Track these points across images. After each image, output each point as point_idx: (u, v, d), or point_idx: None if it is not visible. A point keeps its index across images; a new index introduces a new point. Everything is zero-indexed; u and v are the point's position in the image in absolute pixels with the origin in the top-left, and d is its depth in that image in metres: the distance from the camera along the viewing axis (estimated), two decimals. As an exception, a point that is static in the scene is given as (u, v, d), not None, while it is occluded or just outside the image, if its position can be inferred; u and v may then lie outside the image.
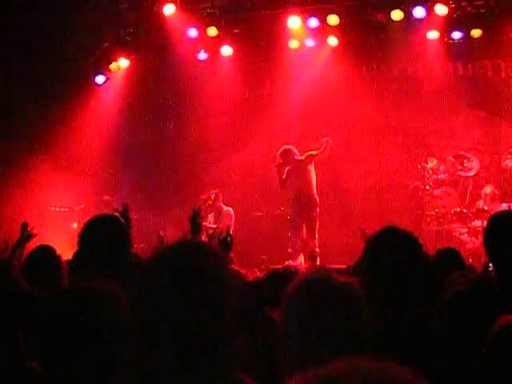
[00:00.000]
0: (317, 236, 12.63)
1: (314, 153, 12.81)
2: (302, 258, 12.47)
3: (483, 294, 3.84)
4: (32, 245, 6.61)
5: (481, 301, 3.75)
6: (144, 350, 2.03)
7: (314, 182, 12.83)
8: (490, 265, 4.34)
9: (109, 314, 2.40)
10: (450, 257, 5.82)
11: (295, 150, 12.96)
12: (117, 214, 5.23)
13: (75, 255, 4.38)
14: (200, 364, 1.99)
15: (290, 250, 12.79)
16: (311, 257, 12.15)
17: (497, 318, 2.64)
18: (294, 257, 12.52)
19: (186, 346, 1.97)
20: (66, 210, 14.29)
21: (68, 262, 5.14)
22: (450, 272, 4.89)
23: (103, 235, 4.04)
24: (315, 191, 12.82)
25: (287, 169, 12.84)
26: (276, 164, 12.82)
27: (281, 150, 12.88)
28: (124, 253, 4.08)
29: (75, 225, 13.91)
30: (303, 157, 12.82)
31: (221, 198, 13.52)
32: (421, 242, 5.17)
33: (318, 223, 12.77)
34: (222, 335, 2.02)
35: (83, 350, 2.34)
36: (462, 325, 3.69)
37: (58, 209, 14.40)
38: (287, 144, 13.19)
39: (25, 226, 7.12)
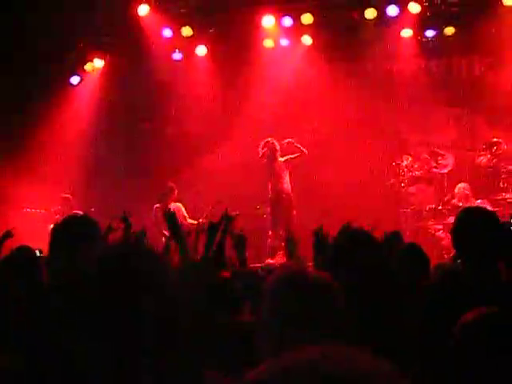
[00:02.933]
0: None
1: (292, 156, 13.06)
2: (282, 255, 12.50)
3: (450, 286, 3.89)
4: (9, 246, 6.64)
5: (448, 293, 3.81)
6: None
7: (288, 181, 13.10)
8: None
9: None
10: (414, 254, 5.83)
11: (278, 147, 13.17)
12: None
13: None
14: (161, 360, 2.01)
15: (268, 250, 12.86)
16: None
17: (464, 310, 2.68)
18: (274, 255, 12.58)
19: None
20: (43, 211, 14.20)
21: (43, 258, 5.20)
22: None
23: (73, 233, 4.05)
24: (290, 191, 13.08)
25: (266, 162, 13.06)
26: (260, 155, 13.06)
27: (266, 142, 13.11)
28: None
29: (51, 226, 13.83)
30: (283, 159, 13.05)
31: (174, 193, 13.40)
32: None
33: (294, 224, 12.87)
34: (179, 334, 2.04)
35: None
36: (431, 319, 3.74)
37: (34, 210, 14.31)
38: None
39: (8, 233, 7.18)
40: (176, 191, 13.27)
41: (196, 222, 12.44)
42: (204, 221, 12.12)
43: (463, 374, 2.46)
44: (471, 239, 3.99)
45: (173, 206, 12.87)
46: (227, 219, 6.30)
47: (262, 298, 2.49)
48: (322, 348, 1.24)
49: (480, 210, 4.53)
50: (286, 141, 13.25)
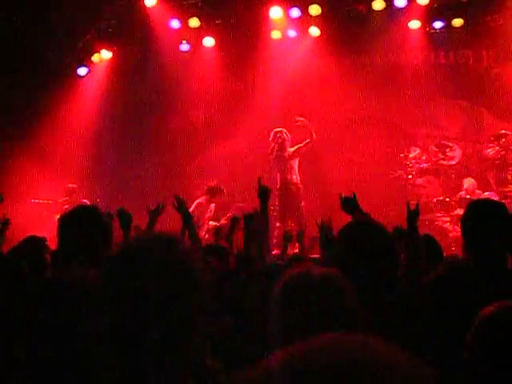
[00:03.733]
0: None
1: (301, 145, 12.92)
2: (291, 247, 12.48)
3: (459, 279, 3.89)
4: (18, 237, 6.65)
5: (457, 286, 3.80)
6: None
7: (297, 172, 12.99)
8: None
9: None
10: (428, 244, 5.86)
11: (288, 137, 13.07)
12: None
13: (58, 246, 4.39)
14: (168, 352, 2.01)
15: (275, 240, 12.82)
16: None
17: (474, 304, 2.67)
18: (280, 246, 12.54)
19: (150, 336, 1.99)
20: (50, 202, 14.22)
21: (52, 252, 5.18)
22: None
23: (84, 225, 4.04)
24: (299, 182, 12.96)
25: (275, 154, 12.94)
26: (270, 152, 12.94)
27: (278, 133, 13.03)
28: (106, 243, 4.08)
29: (58, 217, 13.86)
30: (292, 149, 12.93)
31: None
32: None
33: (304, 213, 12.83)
34: (189, 322, 2.04)
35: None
36: (439, 309, 3.74)
37: (41, 201, 14.33)
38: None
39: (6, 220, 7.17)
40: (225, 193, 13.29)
41: (216, 224, 12.45)
42: (225, 222, 12.18)
43: (482, 371, 2.44)
44: (480, 231, 3.99)
45: (212, 205, 12.96)
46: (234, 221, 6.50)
47: (271, 299, 2.50)
48: (336, 336, 1.24)
49: (489, 202, 4.51)
50: (299, 119, 13.08)
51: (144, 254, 2.07)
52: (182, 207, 5.52)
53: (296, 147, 12.95)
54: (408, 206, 4.75)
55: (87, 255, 3.78)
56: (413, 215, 4.69)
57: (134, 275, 2.03)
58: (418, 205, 4.83)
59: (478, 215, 4.07)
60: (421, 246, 4.31)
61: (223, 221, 12.47)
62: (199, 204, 12.82)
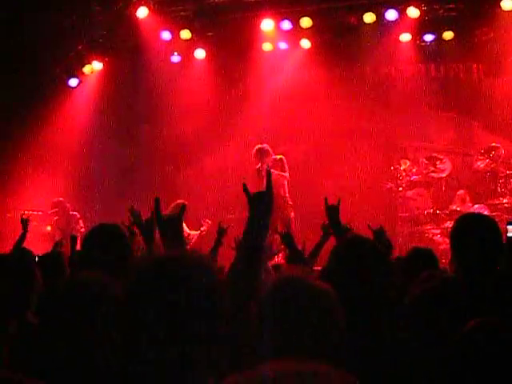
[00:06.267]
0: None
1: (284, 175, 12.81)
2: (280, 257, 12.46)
3: (448, 293, 3.89)
4: (6, 248, 6.68)
5: (445, 300, 3.81)
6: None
7: (286, 184, 12.90)
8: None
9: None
10: (424, 256, 5.90)
11: (270, 151, 12.96)
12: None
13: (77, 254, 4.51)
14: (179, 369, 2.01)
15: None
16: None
17: (462, 318, 2.67)
18: (272, 256, 12.52)
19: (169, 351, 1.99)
20: (40, 213, 14.19)
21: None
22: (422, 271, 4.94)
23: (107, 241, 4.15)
24: (287, 194, 12.90)
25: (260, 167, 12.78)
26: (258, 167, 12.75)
27: (256, 150, 12.90)
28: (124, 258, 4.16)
29: (49, 228, 13.85)
30: (277, 172, 12.74)
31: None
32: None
33: (294, 225, 12.80)
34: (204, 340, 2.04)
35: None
36: (427, 323, 3.73)
37: (31, 212, 14.30)
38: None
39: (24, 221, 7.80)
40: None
41: (198, 233, 12.42)
42: (205, 229, 12.15)
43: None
44: (469, 245, 3.99)
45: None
46: (221, 232, 6.49)
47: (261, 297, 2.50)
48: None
49: (479, 216, 4.52)
50: (277, 157, 12.96)
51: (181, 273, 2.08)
52: (137, 220, 5.38)
53: (278, 173, 12.66)
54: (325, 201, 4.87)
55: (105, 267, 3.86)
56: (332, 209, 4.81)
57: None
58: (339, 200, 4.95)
59: (467, 229, 4.08)
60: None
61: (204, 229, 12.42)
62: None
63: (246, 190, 3.46)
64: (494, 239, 4.04)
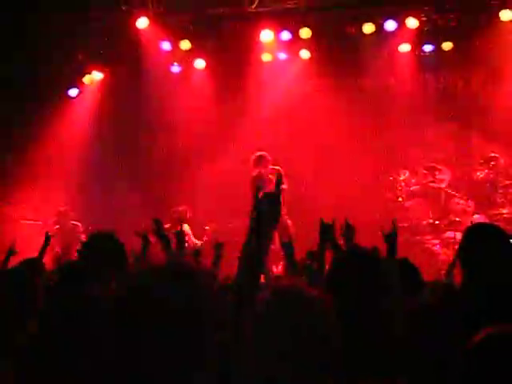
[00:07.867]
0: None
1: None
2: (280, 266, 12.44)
3: (451, 305, 3.86)
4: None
5: (450, 312, 3.78)
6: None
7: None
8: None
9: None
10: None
11: (270, 159, 12.99)
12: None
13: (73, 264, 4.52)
14: None
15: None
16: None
17: (469, 328, 2.65)
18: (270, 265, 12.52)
19: None
20: (39, 223, 14.18)
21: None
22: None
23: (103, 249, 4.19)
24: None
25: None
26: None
27: (256, 156, 12.94)
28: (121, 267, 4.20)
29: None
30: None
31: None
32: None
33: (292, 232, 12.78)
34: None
35: None
36: (428, 336, 3.71)
37: (30, 222, 14.29)
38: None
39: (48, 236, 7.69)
40: (188, 214, 13.25)
41: (200, 243, 12.46)
42: (207, 239, 12.21)
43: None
44: (480, 256, 3.97)
45: (185, 227, 12.83)
46: (218, 247, 6.52)
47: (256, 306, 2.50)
48: None
49: (490, 227, 4.49)
50: (275, 167, 12.95)
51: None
52: (160, 230, 5.53)
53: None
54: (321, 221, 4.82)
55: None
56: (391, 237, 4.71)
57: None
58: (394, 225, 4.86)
59: (475, 238, 4.06)
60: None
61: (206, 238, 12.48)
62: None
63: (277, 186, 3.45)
64: (505, 249, 4.01)
